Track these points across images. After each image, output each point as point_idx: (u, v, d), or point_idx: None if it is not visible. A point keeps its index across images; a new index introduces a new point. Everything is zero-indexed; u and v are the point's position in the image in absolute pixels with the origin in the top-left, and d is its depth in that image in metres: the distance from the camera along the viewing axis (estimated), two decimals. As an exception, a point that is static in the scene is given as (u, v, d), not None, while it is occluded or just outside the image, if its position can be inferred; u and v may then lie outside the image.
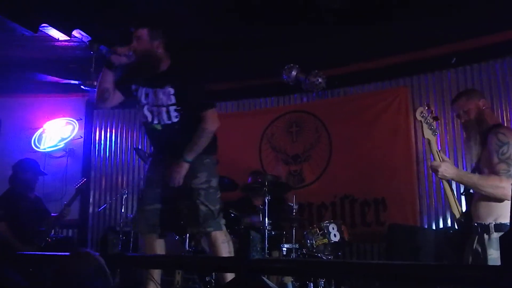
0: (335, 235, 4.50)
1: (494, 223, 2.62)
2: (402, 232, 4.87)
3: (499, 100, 5.16)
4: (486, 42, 5.19)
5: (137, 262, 2.71)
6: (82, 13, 4.82)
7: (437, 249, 4.59)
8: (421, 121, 2.85)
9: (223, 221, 3.39)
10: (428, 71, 5.64)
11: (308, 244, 4.53)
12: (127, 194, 6.02)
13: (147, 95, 3.36)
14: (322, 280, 4.25)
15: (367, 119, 5.86)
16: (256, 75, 6.21)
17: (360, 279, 3.86)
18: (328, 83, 5.41)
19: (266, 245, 4.48)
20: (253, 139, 6.44)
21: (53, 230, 5.06)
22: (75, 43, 5.49)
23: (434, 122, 2.86)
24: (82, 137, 6.95)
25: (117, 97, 3.40)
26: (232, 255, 3.36)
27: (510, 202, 2.57)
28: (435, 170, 2.79)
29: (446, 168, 2.75)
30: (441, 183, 3.06)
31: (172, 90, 3.29)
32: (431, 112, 2.93)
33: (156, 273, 3.37)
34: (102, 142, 7.07)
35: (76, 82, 6.42)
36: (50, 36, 5.12)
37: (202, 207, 3.29)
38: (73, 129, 6.95)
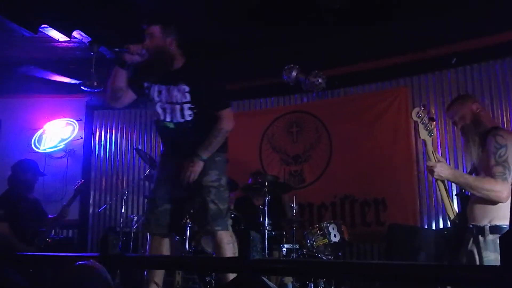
0: (335, 235, 4.50)
1: (489, 225, 2.61)
2: (402, 232, 4.87)
3: (499, 100, 5.17)
4: (486, 42, 5.19)
5: (137, 263, 2.69)
6: (82, 14, 4.83)
7: (437, 249, 4.59)
8: (417, 122, 2.84)
9: (230, 221, 3.32)
10: (428, 71, 5.65)
11: (308, 245, 4.53)
12: (127, 194, 6.03)
13: (160, 92, 3.30)
14: (322, 280, 4.25)
15: (367, 119, 5.86)
16: (256, 75, 6.22)
17: (360, 279, 3.86)
18: (328, 83, 5.42)
19: (266, 245, 4.48)
20: (253, 140, 6.45)
21: (52, 231, 5.06)
22: (75, 44, 5.50)
23: (431, 123, 2.85)
24: (82, 138, 6.95)
25: (129, 96, 3.36)
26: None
27: (505, 204, 2.57)
28: (430, 171, 2.78)
29: (442, 169, 2.75)
30: (434, 184, 3.06)
31: (187, 88, 3.22)
32: (428, 112, 2.92)
33: (158, 275, 3.30)
34: (102, 142, 7.07)
35: (76, 82, 6.43)
36: (50, 37, 5.13)
37: (212, 205, 3.22)
38: (73, 129, 6.95)
